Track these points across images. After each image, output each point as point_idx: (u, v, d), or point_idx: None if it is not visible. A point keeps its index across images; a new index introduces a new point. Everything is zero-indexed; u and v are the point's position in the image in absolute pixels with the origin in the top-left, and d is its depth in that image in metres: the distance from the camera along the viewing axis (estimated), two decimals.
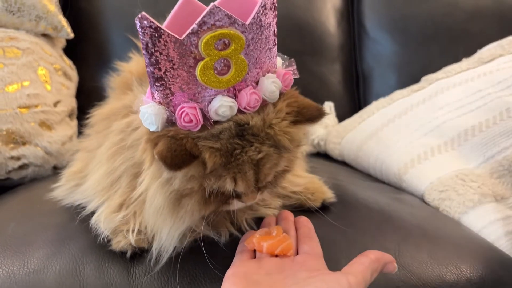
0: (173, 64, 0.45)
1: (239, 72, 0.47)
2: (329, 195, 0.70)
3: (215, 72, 0.46)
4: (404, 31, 1.37)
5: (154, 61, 0.44)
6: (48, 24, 1.13)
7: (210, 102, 0.47)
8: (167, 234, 0.53)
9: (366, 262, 0.45)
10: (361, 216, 0.69)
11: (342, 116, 1.29)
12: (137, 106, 0.50)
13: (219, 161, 0.47)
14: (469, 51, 1.19)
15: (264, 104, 0.51)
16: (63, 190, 0.69)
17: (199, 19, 0.43)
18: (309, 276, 0.45)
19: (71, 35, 1.20)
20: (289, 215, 0.60)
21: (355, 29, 1.44)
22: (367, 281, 0.44)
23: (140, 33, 0.42)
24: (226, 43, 0.45)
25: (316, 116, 0.53)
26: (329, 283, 0.42)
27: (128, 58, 0.81)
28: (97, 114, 0.68)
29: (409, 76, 1.32)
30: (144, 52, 0.44)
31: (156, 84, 0.46)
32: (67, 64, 1.19)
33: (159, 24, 0.43)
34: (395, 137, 0.96)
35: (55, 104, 1.05)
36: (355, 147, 1.04)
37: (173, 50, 0.44)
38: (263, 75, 0.51)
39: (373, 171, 0.97)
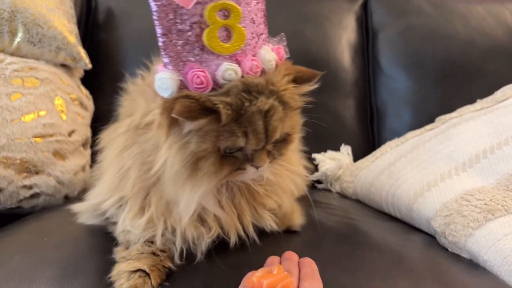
0: (182, 34, 0.50)
1: (239, 40, 0.53)
2: (296, 223, 0.72)
3: (220, 40, 0.52)
4: (419, 68, 1.37)
5: (166, 31, 0.50)
6: (68, 55, 1.16)
7: (216, 69, 0.53)
8: (187, 197, 0.56)
9: None
10: (371, 257, 0.68)
11: (355, 150, 1.28)
12: (137, 104, 0.59)
13: (231, 114, 0.52)
14: (485, 90, 1.18)
15: (263, 72, 0.57)
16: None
17: None
18: None
19: (89, 66, 1.22)
20: (293, 255, 0.59)
21: (370, 65, 1.44)
22: None
23: (154, 6, 0.49)
24: (226, 14, 0.52)
25: (312, 77, 0.59)
26: None
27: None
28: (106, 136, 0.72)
29: (424, 113, 1.31)
30: (156, 23, 0.50)
31: (169, 54, 0.51)
32: (84, 94, 1.21)
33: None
34: (406, 169, 0.94)
35: (70, 133, 1.06)
36: (367, 183, 1.03)
37: (182, 20, 0.50)
38: (259, 48, 0.56)
39: (385, 205, 0.95)
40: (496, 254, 0.65)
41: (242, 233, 0.64)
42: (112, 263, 0.60)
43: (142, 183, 0.60)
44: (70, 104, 1.11)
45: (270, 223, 0.67)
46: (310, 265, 0.57)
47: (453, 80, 1.34)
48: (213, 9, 0.50)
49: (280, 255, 0.60)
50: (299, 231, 0.73)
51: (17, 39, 1.11)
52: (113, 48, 1.39)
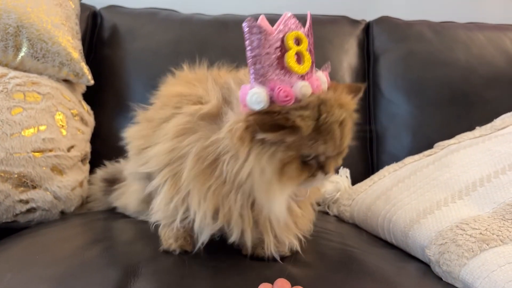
0: (269, 56, 0.59)
1: (308, 64, 0.62)
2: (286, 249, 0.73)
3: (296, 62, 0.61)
4: (420, 94, 1.38)
5: (257, 53, 0.58)
6: (70, 71, 1.17)
7: (292, 86, 0.61)
8: (278, 200, 0.64)
9: None
10: (365, 286, 0.67)
11: (354, 173, 1.27)
12: (209, 97, 0.67)
13: (311, 125, 0.59)
14: (485, 118, 1.18)
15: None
16: (132, 147, 0.76)
17: (283, 21, 0.60)
18: None
19: (91, 82, 1.23)
20: (285, 283, 0.59)
21: (370, 89, 1.45)
22: None
23: (247, 33, 0.57)
24: (298, 42, 0.61)
25: (359, 88, 0.69)
26: None
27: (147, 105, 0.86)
28: (165, 90, 0.77)
29: (423, 138, 1.31)
30: (248, 47, 0.58)
31: (256, 72, 0.59)
32: (85, 109, 1.22)
33: (261, 24, 0.58)
34: (402, 195, 0.94)
35: (69, 149, 1.07)
36: (364, 208, 1.02)
37: (270, 45, 0.59)
38: (315, 72, 0.66)
39: (381, 231, 0.94)
40: (490, 285, 0.65)
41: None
42: (102, 282, 0.60)
43: (191, 175, 0.65)
44: (70, 120, 1.11)
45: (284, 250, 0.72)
46: None
47: (453, 107, 1.35)
48: (290, 37, 0.60)
49: (273, 275, 0.60)
50: (294, 256, 0.72)
51: (21, 54, 1.12)
52: (116, 65, 1.41)
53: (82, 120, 1.18)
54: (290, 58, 0.60)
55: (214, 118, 0.65)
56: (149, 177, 0.73)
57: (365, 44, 1.52)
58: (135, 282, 0.61)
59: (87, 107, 1.24)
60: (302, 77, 0.62)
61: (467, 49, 1.41)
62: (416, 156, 1.12)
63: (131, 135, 0.79)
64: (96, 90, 1.35)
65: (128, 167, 0.84)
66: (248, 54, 0.58)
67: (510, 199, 0.78)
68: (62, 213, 1.04)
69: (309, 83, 0.62)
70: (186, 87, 0.74)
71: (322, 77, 0.65)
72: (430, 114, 1.36)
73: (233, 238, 0.67)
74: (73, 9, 1.29)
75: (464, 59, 1.39)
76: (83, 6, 1.42)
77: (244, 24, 0.57)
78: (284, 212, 0.66)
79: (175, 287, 0.61)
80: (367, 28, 1.54)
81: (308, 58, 0.62)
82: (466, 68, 1.38)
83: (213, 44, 1.39)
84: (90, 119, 1.24)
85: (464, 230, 0.74)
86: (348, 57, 1.45)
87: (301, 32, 0.62)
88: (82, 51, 1.24)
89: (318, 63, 1.53)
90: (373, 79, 1.45)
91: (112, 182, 1.06)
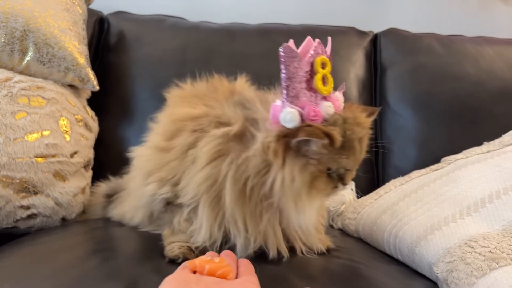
0: (301, 78, 0.65)
1: (331, 85, 0.68)
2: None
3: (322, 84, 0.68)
4: (427, 108, 1.36)
5: (291, 76, 0.64)
6: (76, 76, 1.16)
7: (317, 106, 0.66)
8: (308, 211, 0.70)
9: None
10: None
11: (359, 186, 1.25)
12: (227, 116, 0.71)
13: (340, 139, 0.65)
14: (493, 133, 1.17)
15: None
16: (154, 185, 0.76)
17: (313, 47, 0.67)
18: None
19: (97, 88, 1.23)
20: (232, 254, 0.62)
21: (377, 101, 1.44)
22: None
23: (284, 57, 0.63)
24: (323, 65, 0.67)
25: (374, 111, 0.75)
26: None
27: (153, 112, 0.89)
28: (171, 115, 0.79)
29: (430, 152, 1.30)
30: (283, 70, 0.63)
31: (289, 93, 0.65)
32: (89, 115, 1.21)
33: (296, 50, 0.65)
34: (409, 210, 0.92)
35: (72, 155, 1.06)
36: (370, 222, 1.00)
37: (302, 68, 0.65)
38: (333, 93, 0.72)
39: (387, 246, 0.92)
40: None
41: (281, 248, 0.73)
42: None
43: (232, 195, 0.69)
44: (74, 125, 1.10)
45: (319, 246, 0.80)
46: (247, 264, 0.60)
47: (461, 121, 1.34)
48: (318, 61, 0.66)
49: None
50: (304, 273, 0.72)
51: (27, 58, 1.12)
52: (122, 71, 1.40)
53: (86, 126, 1.17)
54: (318, 81, 0.66)
55: (241, 137, 0.69)
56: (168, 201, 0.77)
57: (372, 56, 1.51)
58: None
59: (91, 113, 1.24)
60: (324, 97, 0.68)
61: (476, 63, 1.39)
62: (423, 170, 1.10)
63: (140, 164, 0.82)
64: (100, 96, 1.35)
65: (136, 187, 0.84)
66: (283, 76, 0.64)
67: None
68: (63, 219, 1.03)
69: (332, 103, 0.68)
70: (192, 108, 0.77)
71: (339, 97, 0.71)
72: (437, 128, 1.34)
73: (271, 255, 0.72)
74: (80, 14, 1.29)
75: (473, 73, 1.38)
76: (91, 12, 1.41)
77: (281, 49, 0.63)
78: (314, 223, 0.73)
79: None
80: (375, 39, 1.53)
81: (331, 80, 0.68)
82: (475, 82, 1.36)
83: (219, 52, 1.39)
84: (94, 125, 1.23)
85: (473, 247, 0.72)
86: (355, 68, 1.44)
87: (325, 56, 0.68)
88: (88, 56, 1.24)
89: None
90: (380, 91, 1.44)
91: (112, 196, 1.05)
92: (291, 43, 0.65)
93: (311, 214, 0.71)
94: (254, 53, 1.38)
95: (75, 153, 1.07)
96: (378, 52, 1.50)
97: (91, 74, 1.20)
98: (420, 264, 0.81)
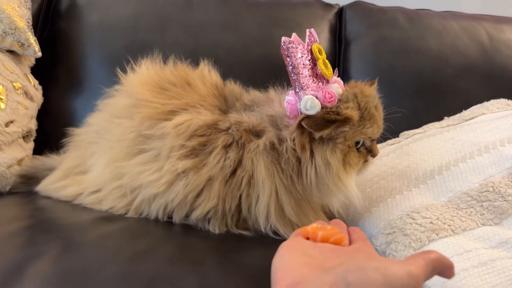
0: (305, 66, 0.68)
1: (331, 69, 0.71)
2: None
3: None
4: (389, 83, 1.32)
5: (297, 65, 0.66)
6: (15, 40, 1.09)
7: (329, 88, 0.69)
8: (350, 185, 0.70)
9: (428, 259, 0.42)
10: None
11: None
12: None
13: (357, 113, 0.68)
14: (455, 108, 1.13)
15: None
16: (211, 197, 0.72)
17: (307, 36, 0.70)
18: (367, 258, 0.44)
19: (39, 54, 1.15)
20: (342, 223, 0.59)
21: (340, 75, 1.38)
22: (426, 276, 0.41)
23: (287, 49, 0.65)
24: (320, 52, 0.70)
25: (373, 82, 0.81)
26: (388, 266, 0.39)
27: (103, 82, 0.88)
28: (186, 125, 0.72)
29: (390, 127, 1.26)
30: (289, 62, 0.66)
31: (300, 82, 0.67)
32: (31, 84, 1.14)
33: (300, 41, 0.68)
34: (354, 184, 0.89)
35: (7, 124, 0.99)
36: None
37: (305, 57, 0.68)
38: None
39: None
40: (435, 279, 0.59)
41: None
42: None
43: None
44: (11, 93, 1.03)
45: None
46: (359, 232, 0.56)
47: (423, 96, 1.30)
48: (315, 48, 0.69)
49: None
50: None
51: None
52: (72, 38, 1.32)
53: (27, 94, 1.10)
54: (321, 66, 0.69)
55: (273, 145, 0.71)
56: None
57: (337, 29, 1.45)
58: None
59: (34, 81, 1.16)
60: (328, 81, 0.71)
61: (440, 38, 1.35)
62: (379, 145, 1.06)
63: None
64: (49, 65, 1.28)
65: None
66: (290, 69, 0.67)
67: (467, 188, 0.73)
68: None
69: (337, 83, 0.71)
70: (200, 114, 0.73)
71: (339, 80, 0.74)
72: (399, 103, 1.28)
73: None
74: None
75: (436, 48, 1.34)
76: None
77: (283, 43, 0.65)
78: (359, 194, 0.72)
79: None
80: (340, 12, 1.48)
81: (329, 64, 0.72)
82: (438, 57, 1.32)
83: (175, 21, 1.31)
84: (37, 94, 1.16)
85: (414, 219, 0.68)
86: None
87: (320, 45, 0.72)
88: (30, 20, 1.16)
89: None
90: (343, 65, 1.39)
91: (30, 179, 0.98)
92: (294, 36, 0.67)
93: (354, 189, 0.71)
94: (212, 23, 1.31)
95: (11, 122, 1.01)
96: (343, 25, 1.44)
97: (32, 39, 1.13)
98: None
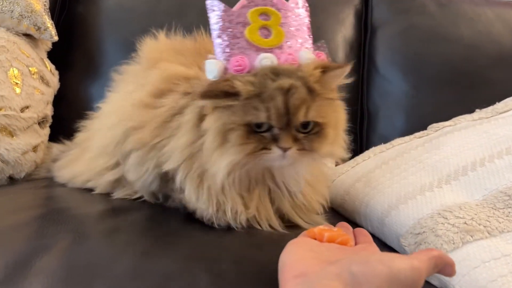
0: (230, 31, 0.62)
1: (277, 38, 0.64)
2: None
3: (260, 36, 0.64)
4: (418, 72, 1.26)
5: (219, 29, 0.62)
6: (31, 24, 1.07)
7: (255, 59, 0.62)
8: (217, 164, 0.63)
9: (431, 255, 0.43)
10: None
11: None
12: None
13: (251, 90, 0.59)
14: (487, 100, 1.07)
15: None
16: (146, 132, 0.70)
17: None
18: (372, 253, 0.47)
19: (55, 38, 1.13)
20: (348, 225, 0.61)
21: (365, 64, 1.33)
22: (428, 271, 0.42)
23: (210, 9, 0.63)
24: (266, 17, 0.64)
25: (342, 65, 0.63)
26: (392, 258, 0.41)
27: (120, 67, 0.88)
28: (165, 71, 0.73)
29: (418, 120, 1.19)
30: (211, 24, 0.63)
31: (220, 46, 0.63)
32: (47, 68, 1.11)
33: (222, 3, 0.63)
34: (384, 177, 0.84)
35: (23, 109, 0.97)
36: (342, 191, 0.92)
37: (229, 20, 0.62)
38: (300, 51, 0.66)
39: (358, 216, 0.84)
40: (470, 285, 0.55)
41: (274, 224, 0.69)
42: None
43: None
44: (28, 77, 1.01)
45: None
46: (366, 234, 0.58)
47: (454, 87, 1.24)
48: (255, 12, 0.63)
49: None
50: None
51: None
52: (90, 23, 1.29)
53: (43, 79, 1.08)
54: (250, 32, 0.63)
55: None
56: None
57: (363, 15, 1.39)
58: None
59: (50, 66, 1.14)
60: (270, 50, 0.63)
61: (472, 26, 1.28)
62: (407, 138, 1.00)
63: (116, 119, 0.75)
64: (66, 50, 1.26)
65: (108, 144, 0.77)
66: (211, 30, 0.63)
67: (504, 186, 0.67)
68: (11, 178, 0.95)
69: (275, 55, 0.63)
70: (186, 67, 0.73)
71: (304, 54, 0.65)
72: (427, 94, 1.24)
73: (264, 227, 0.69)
74: None
75: (468, 36, 1.27)
76: None
77: (207, 3, 0.62)
78: (224, 176, 0.64)
79: None
80: None
81: (278, 32, 0.64)
82: (470, 46, 1.25)
83: (194, 6, 1.27)
84: (53, 79, 1.13)
85: (446, 218, 0.63)
86: (344, 28, 1.33)
87: (273, 8, 0.64)
88: (47, 3, 1.13)
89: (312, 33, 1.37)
90: (369, 53, 1.33)
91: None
92: None
93: (222, 166, 0.63)
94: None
95: (27, 107, 0.99)
96: (369, 11, 1.38)
97: (48, 23, 1.10)
98: (389, 236, 0.73)
